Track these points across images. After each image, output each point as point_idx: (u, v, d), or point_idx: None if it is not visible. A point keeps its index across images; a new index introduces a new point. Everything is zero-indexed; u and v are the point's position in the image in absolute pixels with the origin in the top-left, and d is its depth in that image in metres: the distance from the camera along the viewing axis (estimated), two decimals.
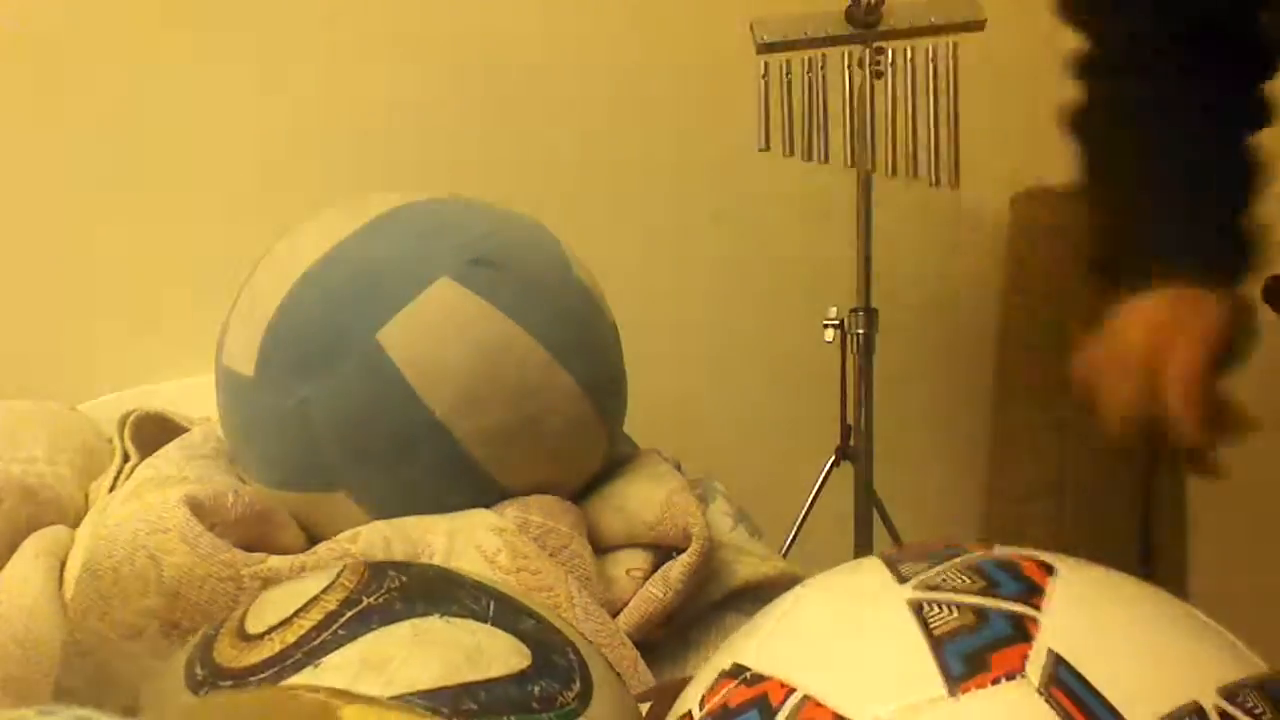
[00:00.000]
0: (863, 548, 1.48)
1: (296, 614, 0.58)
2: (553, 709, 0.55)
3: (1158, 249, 0.80)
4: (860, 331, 1.46)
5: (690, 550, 0.89)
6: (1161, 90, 0.84)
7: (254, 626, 0.59)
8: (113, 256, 1.45)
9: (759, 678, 0.48)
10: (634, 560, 0.92)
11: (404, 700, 0.53)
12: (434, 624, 0.57)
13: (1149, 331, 0.77)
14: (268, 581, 0.80)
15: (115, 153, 1.44)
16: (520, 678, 0.56)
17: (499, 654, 0.57)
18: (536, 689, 0.55)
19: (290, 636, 0.57)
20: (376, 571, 0.61)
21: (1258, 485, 1.72)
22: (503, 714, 0.53)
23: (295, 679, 0.54)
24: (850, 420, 1.49)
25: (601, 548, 0.94)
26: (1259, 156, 0.85)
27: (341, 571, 0.61)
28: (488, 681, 0.55)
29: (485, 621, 0.58)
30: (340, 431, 0.89)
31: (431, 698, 0.53)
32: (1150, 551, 1.76)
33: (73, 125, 1.43)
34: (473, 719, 0.53)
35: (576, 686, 0.57)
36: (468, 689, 0.54)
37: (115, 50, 1.44)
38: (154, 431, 1.07)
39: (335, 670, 0.54)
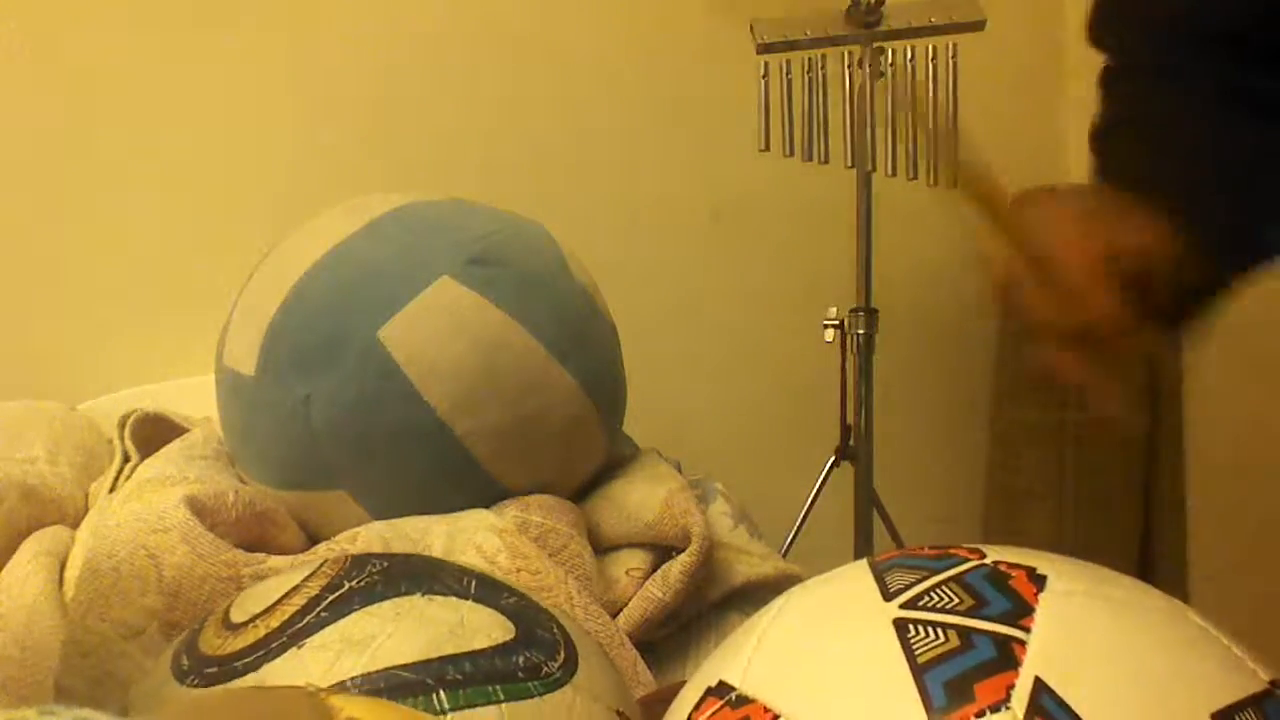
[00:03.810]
0: (863, 548, 1.48)
1: (279, 601, 0.59)
2: (538, 678, 0.55)
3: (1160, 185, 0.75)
4: (860, 331, 1.46)
5: (690, 550, 0.89)
6: (1192, 98, 0.81)
7: (238, 616, 0.59)
8: (113, 256, 1.45)
9: (744, 700, 0.48)
10: (634, 560, 0.92)
11: (389, 674, 0.53)
12: (416, 602, 0.58)
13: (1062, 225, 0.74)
14: None
15: (116, 152, 1.44)
16: (504, 649, 0.56)
17: (482, 627, 0.57)
18: (521, 659, 0.56)
19: (274, 622, 0.57)
20: (359, 560, 0.62)
21: (1258, 485, 1.72)
22: (488, 684, 0.54)
23: (279, 660, 0.55)
24: (850, 420, 1.49)
25: (601, 548, 0.94)
26: None
27: (324, 562, 0.62)
28: (472, 653, 0.55)
29: (467, 598, 0.59)
30: (341, 430, 0.89)
31: (416, 670, 0.53)
32: (1150, 551, 1.77)
33: (73, 125, 1.43)
34: (458, 689, 0.53)
35: (561, 657, 0.57)
36: (452, 660, 0.54)
37: (115, 50, 1.44)
38: (154, 431, 1.07)
39: (319, 650, 0.55)
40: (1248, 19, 0.79)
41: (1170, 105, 0.80)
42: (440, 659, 0.54)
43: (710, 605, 0.92)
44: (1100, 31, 0.86)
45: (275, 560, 0.83)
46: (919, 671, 0.44)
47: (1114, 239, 0.73)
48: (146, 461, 0.99)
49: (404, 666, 0.53)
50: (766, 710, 0.46)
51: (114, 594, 0.80)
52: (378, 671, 0.53)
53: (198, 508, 0.84)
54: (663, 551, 0.93)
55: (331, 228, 0.95)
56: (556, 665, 0.57)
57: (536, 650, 0.57)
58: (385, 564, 0.61)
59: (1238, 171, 0.77)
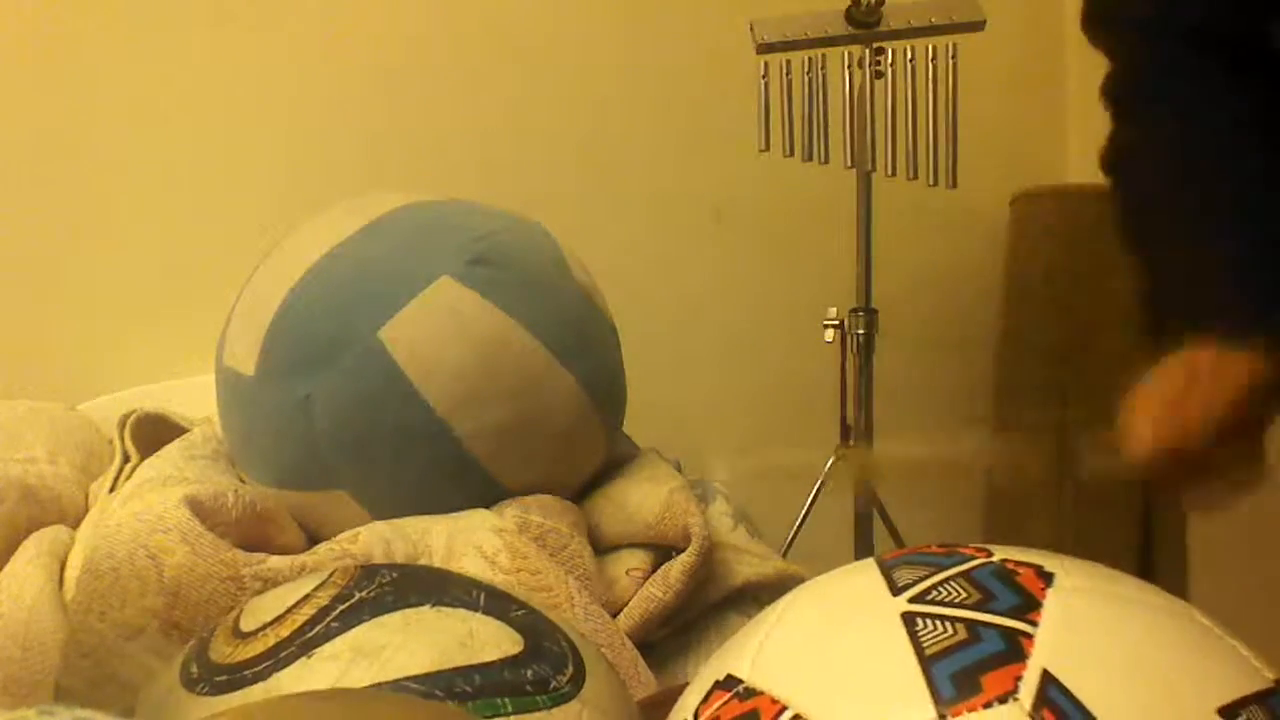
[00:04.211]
0: (863, 548, 1.47)
1: (289, 611, 0.59)
2: (546, 691, 0.55)
3: (1198, 314, 0.77)
4: (860, 331, 1.46)
5: (690, 550, 0.89)
6: (1197, 123, 0.80)
7: (248, 625, 0.59)
8: (113, 256, 1.45)
9: (751, 692, 0.47)
10: (634, 560, 0.92)
11: (398, 685, 0.53)
12: (426, 613, 0.57)
13: (1172, 384, 0.75)
14: (268, 582, 0.80)
15: (116, 152, 1.44)
16: (513, 662, 0.56)
17: (491, 639, 0.57)
18: (529, 672, 0.56)
19: (284, 631, 0.57)
20: (368, 570, 0.62)
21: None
22: (497, 696, 0.54)
23: (289, 670, 0.55)
24: (850, 420, 1.49)
25: (601, 548, 0.94)
26: None
27: (333, 572, 0.62)
28: (481, 665, 0.55)
29: (476, 610, 0.59)
30: (341, 430, 0.89)
31: (425, 682, 0.53)
32: (1150, 551, 1.76)
33: (73, 125, 1.43)
34: (467, 702, 0.53)
35: (569, 670, 0.57)
36: (461, 673, 0.54)
37: (116, 51, 1.44)
38: (154, 431, 1.07)
39: (329, 660, 0.55)
40: (1225, 15, 0.79)
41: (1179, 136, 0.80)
42: (450, 671, 0.54)
43: (710, 605, 0.92)
44: (1093, 23, 0.86)
45: (275, 560, 0.83)
46: (927, 663, 0.44)
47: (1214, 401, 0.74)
48: (146, 461, 0.99)
49: (413, 678, 0.53)
50: (774, 702, 0.46)
51: (114, 594, 0.80)
52: (387, 682, 0.53)
53: (198, 508, 0.84)
54: (663, 551, 0.93)
55: (331, 228, 0.95)
56: (565, 679, 0.57)
57: (545, 663, 0.57)
58: (395, 575, 0.61)
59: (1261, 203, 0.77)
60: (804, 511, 1.50)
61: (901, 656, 0.45)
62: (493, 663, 0.55)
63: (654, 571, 0.90)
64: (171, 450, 1.00)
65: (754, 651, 0.50)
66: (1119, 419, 0.77)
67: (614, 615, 0.86)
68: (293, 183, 1.47)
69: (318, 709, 0.48)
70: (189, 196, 1.47)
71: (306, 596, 0.59)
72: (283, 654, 0.56)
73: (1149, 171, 0.82)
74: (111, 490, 1.00)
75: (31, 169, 1.42)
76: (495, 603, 0.60)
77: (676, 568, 0.88)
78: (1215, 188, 0.79)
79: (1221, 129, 0.79)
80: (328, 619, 0.57)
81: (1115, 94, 0.86)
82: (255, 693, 0.54)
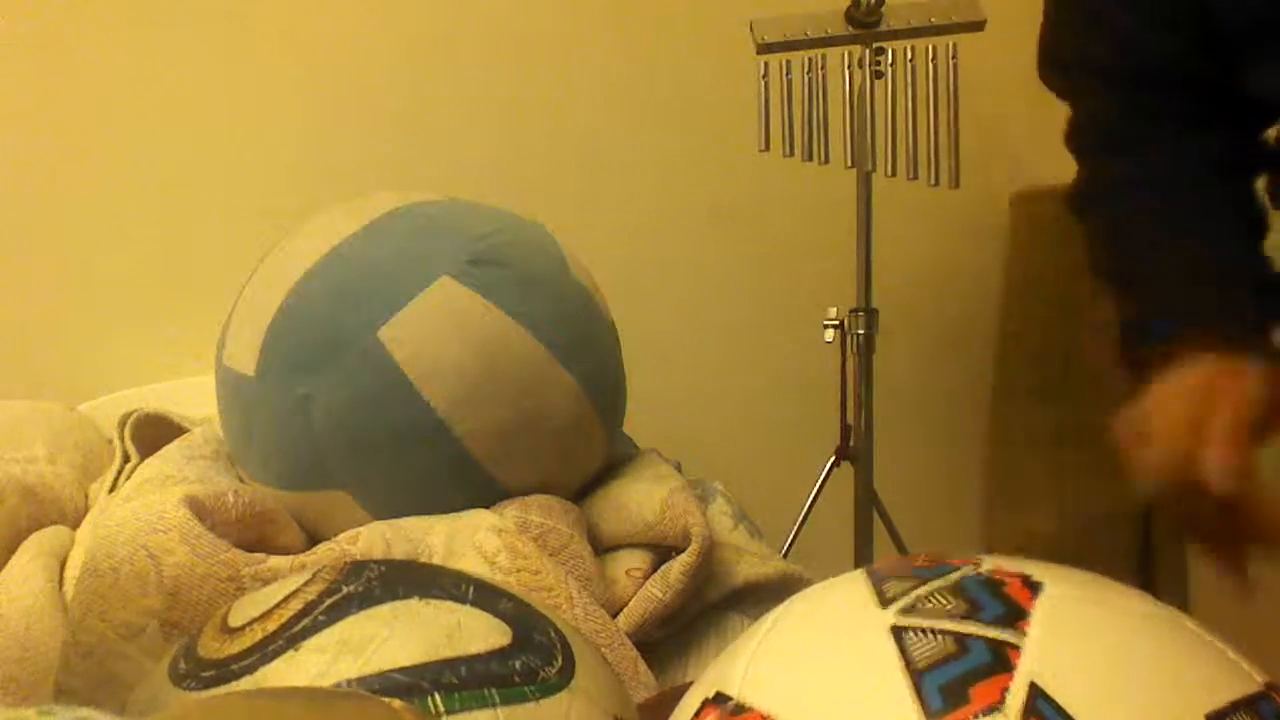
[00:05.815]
0: (863, 548, 1.47)
1: (277, 606, 0.59)
2: (534, 682, 0.55)
3: (1181, 321, 0.75)
4: (860, 331, 1.46)
5: (690, 550, 0.89)
6: (1154, 162, 0.81)
7: (236, 621, 0.59)
8: (113, 256, 1.45)
9: (741, 708, 0.48)
10: (634, 560, 0.92)
11: (385, 677, 0.53)
12: (413, 605, 0.58)
13: (1187, 402, 0.71)
14: (268, 582, 0.80)
15: (116, 153, 1.44)
16: (501, 654, 0.56)
17: (479, 632, 0.57)
18: (518, 664, 0.56)
19: (271, 625, 0.57)
20: (357, 565, 0.62)
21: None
22: (484, 688, 0.54)
23: (276, 663, 0.55)
24: (850, 420, 1.49)
25: (601, 548, 0.94)
26: (1259, 204, 0.81)
27: (322, 568, 0.62)
28: (469, 657, 0.55)
29: (465, 603, 0.59)
30: (341, 430, 0.89)
31: (412, 674, 0.53)
32: (1150, 553, 1.76)
33: (73, 125, 1.43)
34: (454, 693, 0.53)
35: (558, 662, 0.58)
36: (449, 664, 0.54)
37: (116, 50, 1.44)
38: (154, 431, 1.07)
39: (315, 652, 0.55)
40: (1183, 60, 0.79)
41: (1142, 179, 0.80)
42: (437, 663, 0.54)
43: (710, 605, 0.92)
44: (1050, 71, 0.87)
45: (275, 560, 0.83)
46: (916, 676, 0.44)
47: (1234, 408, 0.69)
48: (146, 461, 0.99)
49: (400, 670, 0.53)
50: (765, 717, 0.46)
51: (114, 594, 0.80)
52: (374, 674, 0.53)
53: (198, 508, 0.84)
54: (663, 551, 0.93)
55: (331, 228, 0.95)
56: (554, 670, 0.57)
57: (533, 655, 0.57)
58: (383, 569, 0.61)
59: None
60: (804, 511, 1.50)
61: (890, 670, 0.45)
62: (480, 654, 0.55)
63: (654, 571, 0.90)
64: (171, 450, 1.00)
65: (743, 667, 0.50)
66: (1123, 451, 0.74)
67: (614, 615, 0.86)
68: (293, 183, 1.47)
69: (252, 705, 0.48)
70: (189, 196, 1.47)
71: (295, 591, 0.59)
72: (269, 648, 0.56)
73: (1120, 206, 0.82)
74: (111, 490, 1.00)
75: (32, 169, 1.42)
76: (484, 595, 0.60)
77: (676, 568, 0.88)
78: (1197, 207, 0.79)
79: (1188, 167, 0.80)
80: (315, 612, 0.57)
81: (1078, 142, 0.87)
82: (241, 687, 0.54)
